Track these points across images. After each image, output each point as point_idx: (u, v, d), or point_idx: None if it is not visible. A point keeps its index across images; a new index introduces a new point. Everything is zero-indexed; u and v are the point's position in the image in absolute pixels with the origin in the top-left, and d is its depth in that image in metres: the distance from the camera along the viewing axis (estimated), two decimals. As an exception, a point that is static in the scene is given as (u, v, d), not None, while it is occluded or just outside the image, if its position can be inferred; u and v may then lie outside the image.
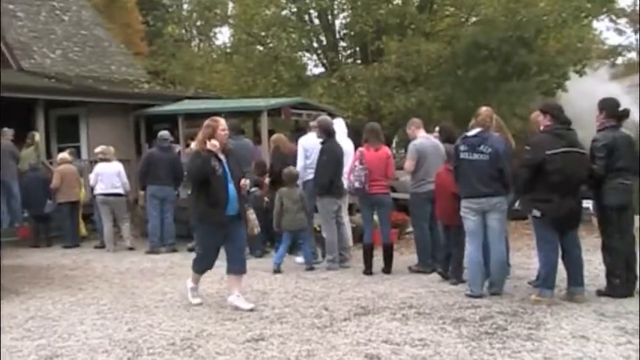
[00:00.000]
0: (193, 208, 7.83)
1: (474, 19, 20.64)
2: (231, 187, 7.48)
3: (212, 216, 7.46)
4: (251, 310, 7.33)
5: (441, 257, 9.19)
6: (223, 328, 6.67)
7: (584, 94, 18.83)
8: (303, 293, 8.36)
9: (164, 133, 13.24)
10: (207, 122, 7.66)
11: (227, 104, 17.23)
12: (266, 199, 11.79)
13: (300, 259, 10.62)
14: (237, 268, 7.68)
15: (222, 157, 7.52)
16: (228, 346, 6.01)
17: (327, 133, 10.27)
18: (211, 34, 27.78)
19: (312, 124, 11.22)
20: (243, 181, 7.71)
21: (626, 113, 7.82)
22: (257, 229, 8.26)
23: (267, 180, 12.12)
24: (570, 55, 20.35)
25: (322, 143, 10.27)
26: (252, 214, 8.15)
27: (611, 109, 7.77)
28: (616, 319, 6.48)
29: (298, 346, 5.91)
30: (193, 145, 8.46)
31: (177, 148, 14.97)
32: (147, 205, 12.94)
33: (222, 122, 7.68)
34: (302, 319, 6.91)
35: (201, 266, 7.84)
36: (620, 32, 35.56)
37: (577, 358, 5.31)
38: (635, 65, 28.78)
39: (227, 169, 7.51)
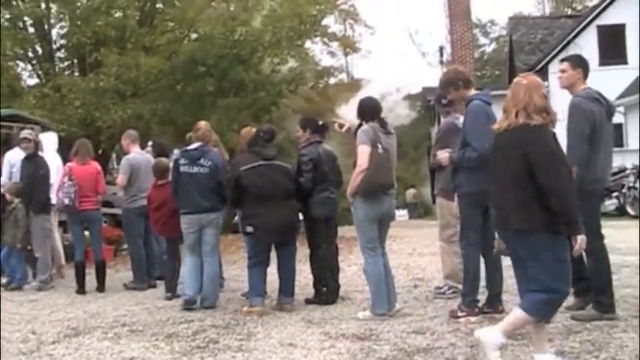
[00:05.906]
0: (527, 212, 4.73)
1: (193, 35, 20.81)
2: None
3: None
4: None
5: None
6: None
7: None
8: (10, 317, 7.88)
9: None
10: None
11: None
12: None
13: (4, 280, 10.06)
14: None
15: None
16: None
17: (36, 147, 9.93)
18: None
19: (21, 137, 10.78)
20: None
21: (326, 127, 8.31)
22: None
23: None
24: (285, 73, 21.17)
25: (27, 158, 9.88)
26: None
27: (312, 127, 8.19)
28: (322, 325, 6.78)
29: (-2, 375, 5.58)
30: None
31: None
32: None
33: None
34: (7, 345, 6.49)
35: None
36: (332, 55, 39.68)
37: (284, 366, 5.49)
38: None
39: None
